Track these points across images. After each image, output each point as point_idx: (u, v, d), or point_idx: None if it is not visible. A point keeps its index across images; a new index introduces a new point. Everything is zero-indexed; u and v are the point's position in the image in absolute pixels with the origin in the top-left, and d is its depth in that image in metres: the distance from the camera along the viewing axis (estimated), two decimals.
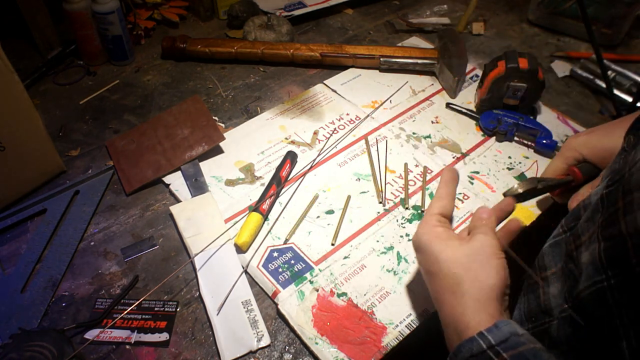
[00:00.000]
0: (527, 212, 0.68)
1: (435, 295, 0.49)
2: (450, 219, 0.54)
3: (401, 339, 0.55)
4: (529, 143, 0.78)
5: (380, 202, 0.69)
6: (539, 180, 0.58)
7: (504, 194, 0.57)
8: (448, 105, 0.84)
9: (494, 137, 0.79)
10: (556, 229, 0.58)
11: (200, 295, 0.58)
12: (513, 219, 0.54)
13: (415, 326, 0.56)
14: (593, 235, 0.44)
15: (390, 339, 0.55)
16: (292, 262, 0.61)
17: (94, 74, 0.91)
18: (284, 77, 0.91)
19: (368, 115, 0.82)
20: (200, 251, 0.61)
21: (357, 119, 0.81)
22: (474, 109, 0.83)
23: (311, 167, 0.73)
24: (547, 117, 0.82)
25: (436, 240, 0.49)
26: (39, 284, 0.59)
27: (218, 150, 0.75)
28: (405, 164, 0.74)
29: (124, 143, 0.76)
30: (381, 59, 0.89)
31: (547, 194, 0.64)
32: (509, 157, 0.76)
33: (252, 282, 0.60)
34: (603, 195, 0.44)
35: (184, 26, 1.03)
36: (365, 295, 0.59)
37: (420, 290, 0.59)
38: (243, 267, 0.61)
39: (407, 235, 0.65)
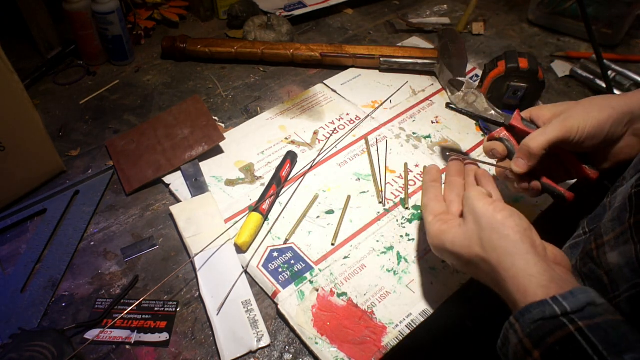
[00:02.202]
0: (529, 209, 0.68)
1: (480, 280, 0.48)
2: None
3: (401, 339, 0.55)
4: None
5: (380, 202, 0.69)
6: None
7: (447, 104, 0.62)
8: (448, 105, 0.84)
9: None
10: (577, 230, 0.58)
11: (200, 295, 0.58)
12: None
13: (415, 326, 0.56)
14: (622, 235, 0.43)
15: (390, 339, 0.55)
16: (292, 262, 0.61)
17: (94, 74, 0.91)
18: (284, 77, 0.91)
19: (368, 115, 0.82)
20: (200, 251, 0.61)
21: (357, 119, 0.81)
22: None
23: (311, 167, 0.73)
24: None
25: (442, 237, 0.49)
26: (39, 284, 0.59)
27: (218, 150, 0.75)
28: (405, 164, 0.74)
29: (124, 143, 0.76)
30: (381, 59, 0.89)
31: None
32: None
33: (252, 282, 0.60)
34: (632, 195, 0.44)
35: (184, 26, 1.03)
36: (365, 295, 0.59)
37: (420, 290, 0.59)
38: (243, 267, 0.61)
39: (407, 235, 0.65)
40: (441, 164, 0.74)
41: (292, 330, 0.56)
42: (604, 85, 0.83)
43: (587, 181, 0.59)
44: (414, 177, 0.73)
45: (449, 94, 0.61)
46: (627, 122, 0.53)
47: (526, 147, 0.54)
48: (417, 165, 0.74)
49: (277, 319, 0.57)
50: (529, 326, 0.39)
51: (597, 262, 0.46)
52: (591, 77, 0.89)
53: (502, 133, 0.59)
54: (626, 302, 0.42)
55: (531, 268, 0.41)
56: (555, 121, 0.54)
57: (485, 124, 0.78)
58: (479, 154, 0.76)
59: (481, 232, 0.45)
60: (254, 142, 0.77)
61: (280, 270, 0.60)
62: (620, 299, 0.42)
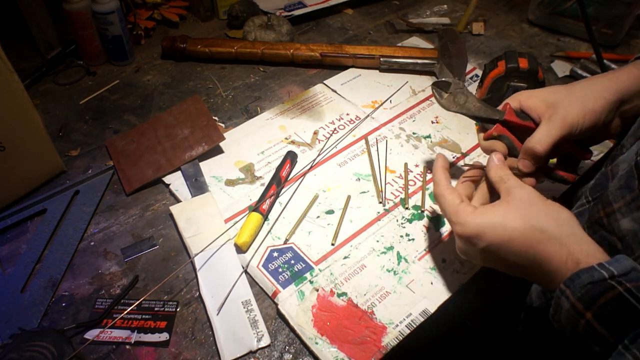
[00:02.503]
0: None
1: (517, 261, 0.47)
2: (467, 195, 0.55)
3: (401, 339, 0.55)
4: None
5: (380, 202, 0.69)
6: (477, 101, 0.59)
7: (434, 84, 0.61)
8: None
9: None
10: (579, 200, 0.58)
11: (200, 295, 0.58)
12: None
13: (415, 326, 0.56)
14: (633, 202, 0.45)
15: (390, 339, 0.55)
16: (292, 262, 0.61)
17: (94, 74, 0.91)
18: (284, 77, 0.91)
19: (368, 115, 0.82)
20: (200, 251, 0.61)
21: (357, 119, 0.81)
22: None
23: (311, 167, 0.73)
24: None
25: (491, 214, 0.48)
26: (39, 284, 0.59)
27: (218, 150, 0.75)
28: (405, 164, 0.74)
29: (124, 143, 0.76)
30: (381, 59, 0.89)
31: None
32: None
33: (252, 282, 0.60)
34: (638, 162, 0.45)
35: (184, 26, 1.03)
36: (365, 295, 0.59)
37: (420, 290, 0.59)
38: (243, 267, 0.61)
39: (407, 235, 0.65)
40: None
41: (292, 330, 0.56)
42: None
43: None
44: (414, 177, 0.73)
45: (438, 97, 0.60)
46: (617, 108, 0.55)
47: (531, 150, 0.54)
48: (417, 165, 0.74)
49: (277, 319, 0.57)
50: (579, 290, 0.40)
51: (609, 229, 0.47)
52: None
53: (499, 130, 0.59)
54: None
55: (587, 237, 0.44)
56: (555, 118, 0.54)
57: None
58: (479, 154, 0.76)
59: (535, 208, 0.47)
60: (254, 142, 0.77)
61: (280, 270, 0.60)
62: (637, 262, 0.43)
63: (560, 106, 0.54)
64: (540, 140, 0.54)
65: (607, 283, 0.39)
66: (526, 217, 0.46)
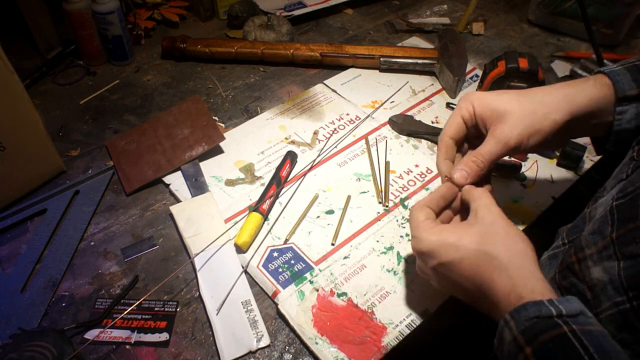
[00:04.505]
0: (529, 209, 0.68)
1: (465, 284, 0.46)
2: (437, 212, 0.52)
3: (401, 339, 0.55)
4: None
5: (380, 202, 0.69)
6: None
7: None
8: (448, 105, 0.84)
9: None
10: (555, 240, 0.57)
11: (200, 295, 0.58)
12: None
13: (415, 326, 0.56)
14: (605, 250, 0.43)
15: (390, 339, 0.55)
16: (292, 262, 0.61)
17: (94, 74, 0.91)
18: (284, 77, 0.91)
19: (368, 116, 0.82)
20: (200, 251, 0.61)
21: (357, 119, 0.81)
22: None
23: (311, 167, 0.73)
24: None
25: (445, 233, 0.47)
26: (39, 284, 0.59)
27: (218, 150, 0.75)
28: (406, 164, 0.74)
29: (124, 143, 0.76)
30: (381, 59, 0.89)
31: None
32: (509, 157, 0.76)
33: (252, 282, 0.60)
34: (613, 207, 0.43)
35: (184, 26, 1.03)
36: (365, 295, 0.59)
37: (420, 290, 0.59)
38: (243, 267, 0.61)
39: (407, 235, 0.65)
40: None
41: (292, 330, 0.56)
42: None
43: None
44: (414, 177, 0.73)
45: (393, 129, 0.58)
46: (566, 128, 0.52)
47: (471, 164, 0.52)
48: (417, 166, 0.74)
49: (277, 319, 0.57)
50: (524, 323, 0.39)
51: (580, 277, 0.46)
52: None
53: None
54: (607, 320, 0.41)
55: (537, 273, 0.43)
56: (499, 135, 0.52)
57: None
58: None
59: (494, 234, 0.45)
60: (254, 142, 0.77)
61: (280, 270, 0.60)
62: (602, 316, 0.42)
63: (507, 120, 0.51)
64: (483, 155, 0.52)
65: (553, 320, 0.38)
66: (482, 242, 0.45)
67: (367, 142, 0.77)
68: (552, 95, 0.52)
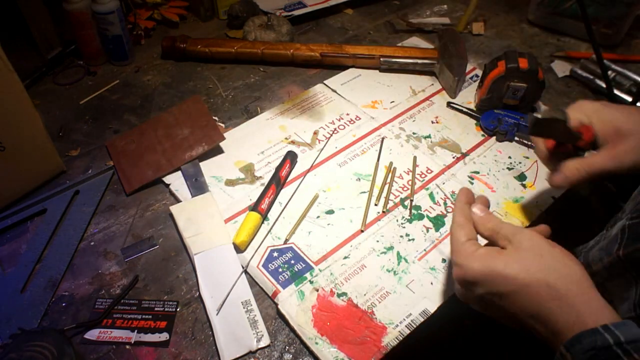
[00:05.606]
0: (529, 209, 0.68)
1: (518, 315, 0.44)
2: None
3: (401, 339, 0.55)
4: (529, 143, 0.77)
5: (376, 205, 0.69)
6: (563, 113, 0.53)
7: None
8: (449, 104, 0.84)
9: (494, 137, 0.79)
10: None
11: (200, 295, 0.58)
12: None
13: (415, 326, 0.56)
14: (611, 267, 0.42)
15: (390, 339, 0.55)
16: (292, 262, 0.61)
17: (94, 74, 0.91)
18: (284, 77, 0.91)
19: (368, 116, 0.82)
20: (201, 251, 0.61)
21: (357, 119, 0.81)
22: (474, 109, 0.83)
23: (311, 167, 0.73)
24: None
25: (491, 261, 0.45)
26: (39, 284, 0.59)
27: (218, 150, 0.75)
28: (406, 164, 0.74)
29: (124, 143, 0.76)
30: (381, 59, 0.89)
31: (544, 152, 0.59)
32: (509, 157, 0.76)
33: (252, 282, 0.60)
34: (625, 227, 0.43)
35: (184, 26, 1.03)
36: (365, 295, 0.59)
37: (420, 290, 0.59)
38: (243, 267, 0.61)
39: (407, 235, 0.65)
40: (441, 165, 0.74)
41: (292, 330, 0.56)
42: (604, 85, 0.83)
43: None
44: (414, 177, 0.73)
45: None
46: None
47: (581, 171, 0.52)
48: (417, 165, 0.74)
49: (277, 319, 0.57)
50: (581, 356, 0.37)
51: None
52: (591, 77, 0.89)
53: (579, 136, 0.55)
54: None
55: (598, 298, 0.41)
56: (617, 154, 0.51)
57: (486, 124, 0.78)
58: (479, 154, 0.76)
59: (541, 259, 0.43)
60: (254, 142, 0.77)
61: (280, 270, 0.60)
62: None
63: (627, 141, 0.50)
64: (593, 166, 0.51)
65: (613, 351, 0.36)
66: (531, 269, 0.42)
67: (367, 142, 0.77)
68: None
